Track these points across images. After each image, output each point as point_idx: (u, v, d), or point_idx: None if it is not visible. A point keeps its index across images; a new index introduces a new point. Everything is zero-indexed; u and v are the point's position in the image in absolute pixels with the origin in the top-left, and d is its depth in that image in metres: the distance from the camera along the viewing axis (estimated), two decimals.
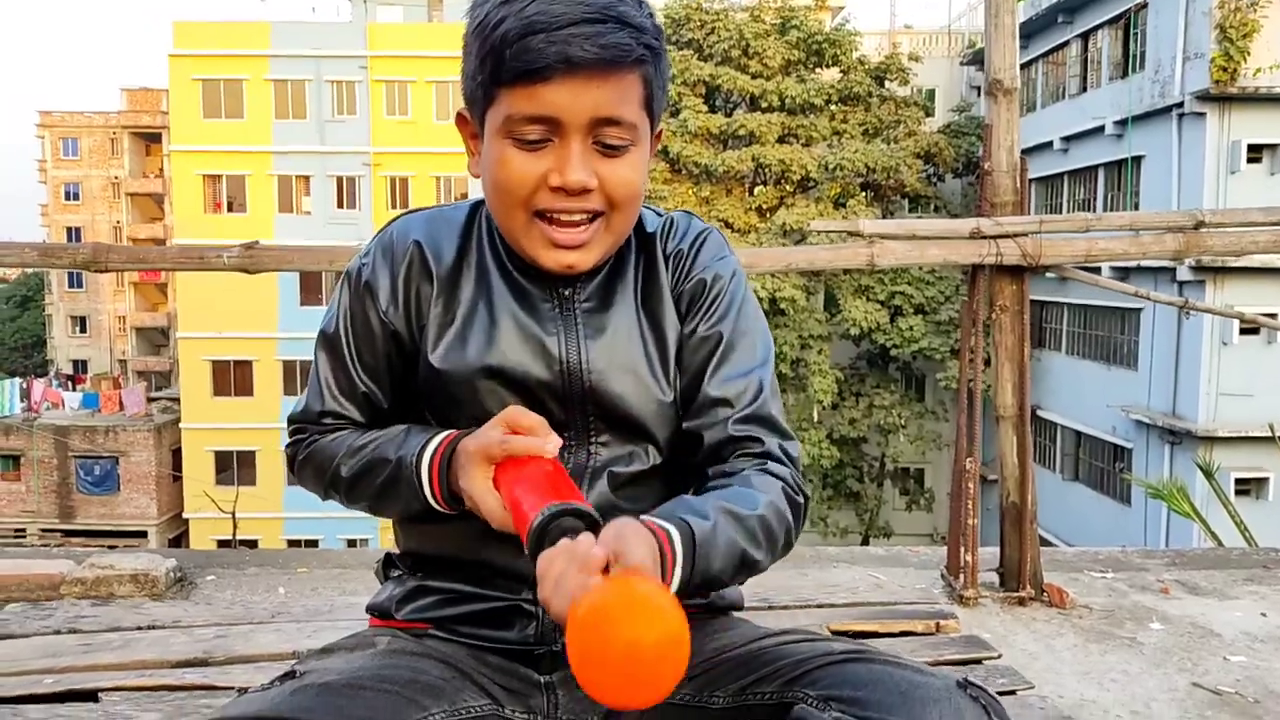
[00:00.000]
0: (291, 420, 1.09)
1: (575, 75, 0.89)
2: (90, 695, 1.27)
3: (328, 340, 1.06)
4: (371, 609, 1.09)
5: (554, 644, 1.00)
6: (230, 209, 26.68)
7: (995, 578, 2.92)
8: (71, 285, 46.16)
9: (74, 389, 32.38)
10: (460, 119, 1.01)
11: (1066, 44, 20.00)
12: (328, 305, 1.09)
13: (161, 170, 42.21)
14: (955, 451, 2.94)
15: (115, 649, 1.42)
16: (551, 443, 0.90)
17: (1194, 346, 15.65)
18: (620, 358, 1.02)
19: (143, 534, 25.79)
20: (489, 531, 0.93)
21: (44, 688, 1.28)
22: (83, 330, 46.53)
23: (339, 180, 26.73)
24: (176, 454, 27.15)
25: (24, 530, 25.95)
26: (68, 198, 45.08)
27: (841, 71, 21.53)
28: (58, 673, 1.33)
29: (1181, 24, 15.78)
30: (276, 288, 25.78)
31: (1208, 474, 5.95)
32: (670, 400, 1.04)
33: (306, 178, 26.74)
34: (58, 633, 1.50)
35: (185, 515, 26.56)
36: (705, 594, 1.03)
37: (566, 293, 1.02)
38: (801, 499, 1.01)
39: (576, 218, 0.95)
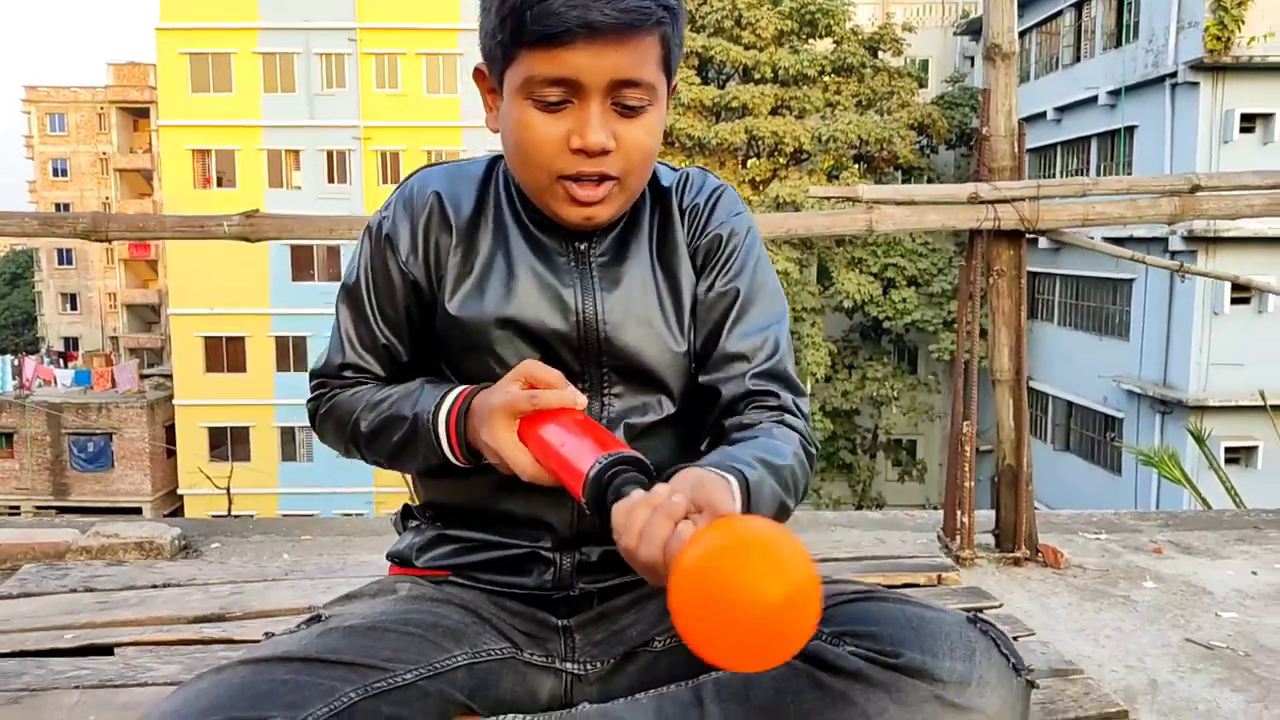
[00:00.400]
0: (313, 375, 1.10)
1: (595, 39, 0.89)
2: (110, 650, 1.30)
3: (349, 293, 1.07)
4: (391, 556, 1.11)
5: (571, 589, 1.03)
6: (220, 184, 26.52)
7: (990, 539, 2.96)
8: (61, 262, 45.91)
9: (65, 366, 32.29)
10: (478, 73, 1.03)
11: (1060, 13, 19.92)
12: (347, 262, 1.11)
13: (150, 146, 41.89)
14: (952, 416, 2.97)
15: (132, 606, 1.45)
16: (581, 396, 0.92)
17: (1185, 316, 15.73)
18: (635, 310, 1.03)
19: (137, 510, 25.83)
20: (507, 483, 0.95)
21: (65, 643, 1.30)
22: (73, 307, 46.32)
23: (329, 154, 26.57)
24: (170, 430, 27.15)
25: (18, 508, 25.96)
26: (56, 174, 44.73)
27: (835, 42, 21.42)
28: (77, 628, 1.35)
29: None
30: (268, 263, 25.69)
31: (1199, 440, 6.00)
32: (684, 351, 1.06)
33: (296, 152, 26.57)
34: (74, 591, 1.52)
35: (180, 491, 26.59)
36: None
37: (582, 246, 1.04)
38: (813, 451, 1.03)
39: (595, 179, 0.97)
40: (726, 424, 1.03)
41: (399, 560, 1.10)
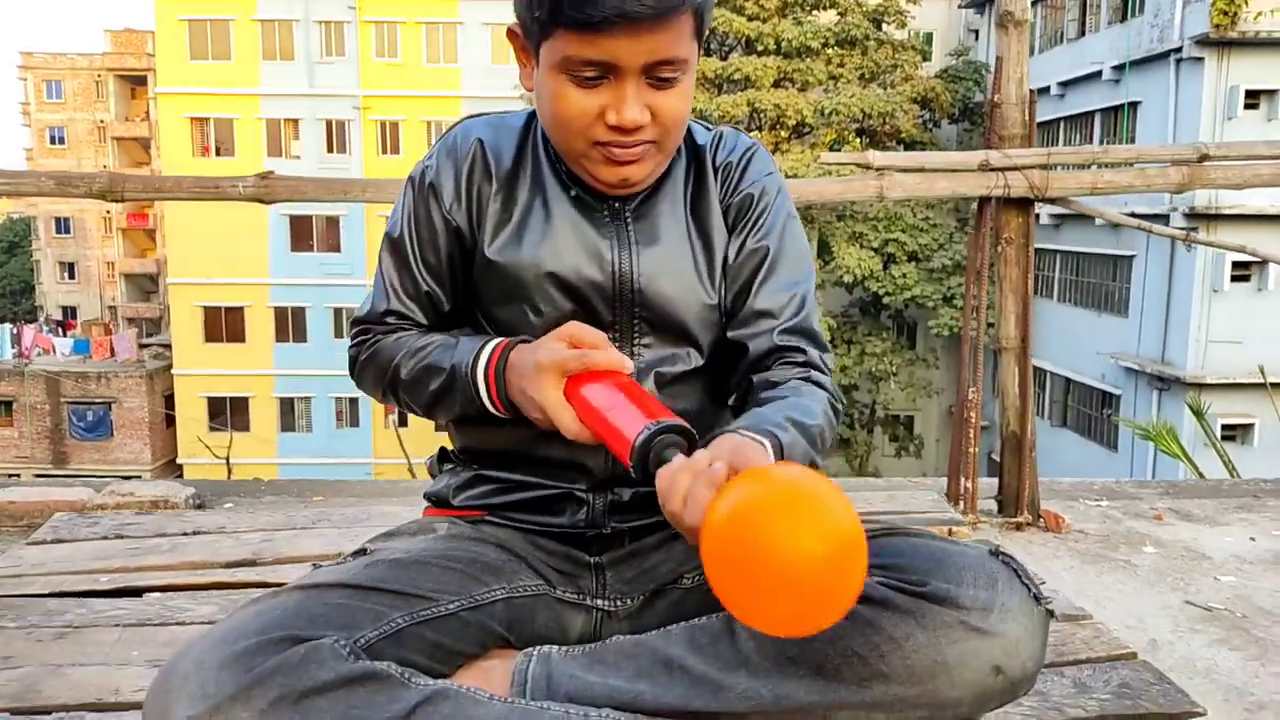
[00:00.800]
0: (355, 322, 1.13)
1: (632, 26, 0.91)
2: (145, 592, 1.33)
3: (393, 243, 1.10)
4: (428, 497, 1.15)
5: (604, 527, 1.06)
6: (218, 153, 26.39)
7: (993, 505, 3.01)
8: (59, 231, 45.73)
9: (64, 335, 32.28)
10: (512, 33, 1.04)
11: None
12: (390, 212, 1.13)
13: (148, 114, 41.62)
14: (958, 383, 3.00)
15: (164, 552, 1.48)
16: (629, 360, 0.94)
17: (1185, 293, 15.75)
18: (669, 264, 1.06)
19: (137, 479, 25.90)
20: (546, 431, 0.98)
21: (101, 585, 1.34)
22: (71, 276, 46.19)
23: (328, 124, 26.42)
24: (169, 400, 27.18)
25: (18, 475, 26.03)
26: (53, 141, 44.44)
27: (839, 13, 21.24)
28: (111, 572, 1.39)
29: None
30: (267, 234, 25.63)
31: (1199, 414, 6.04)
32: (715, 304, 1.08)
33: (295, 121, 26.42)
34: (105, 538, 1.56)
35: (179, 461, 26.66)
36: None
37: (618, 202, 1.06)
38: (839, 407, 1.06)
39: (634, 145, 0.99)
40: (754, 380, 1.06)
41: (436, 501, 1.13)
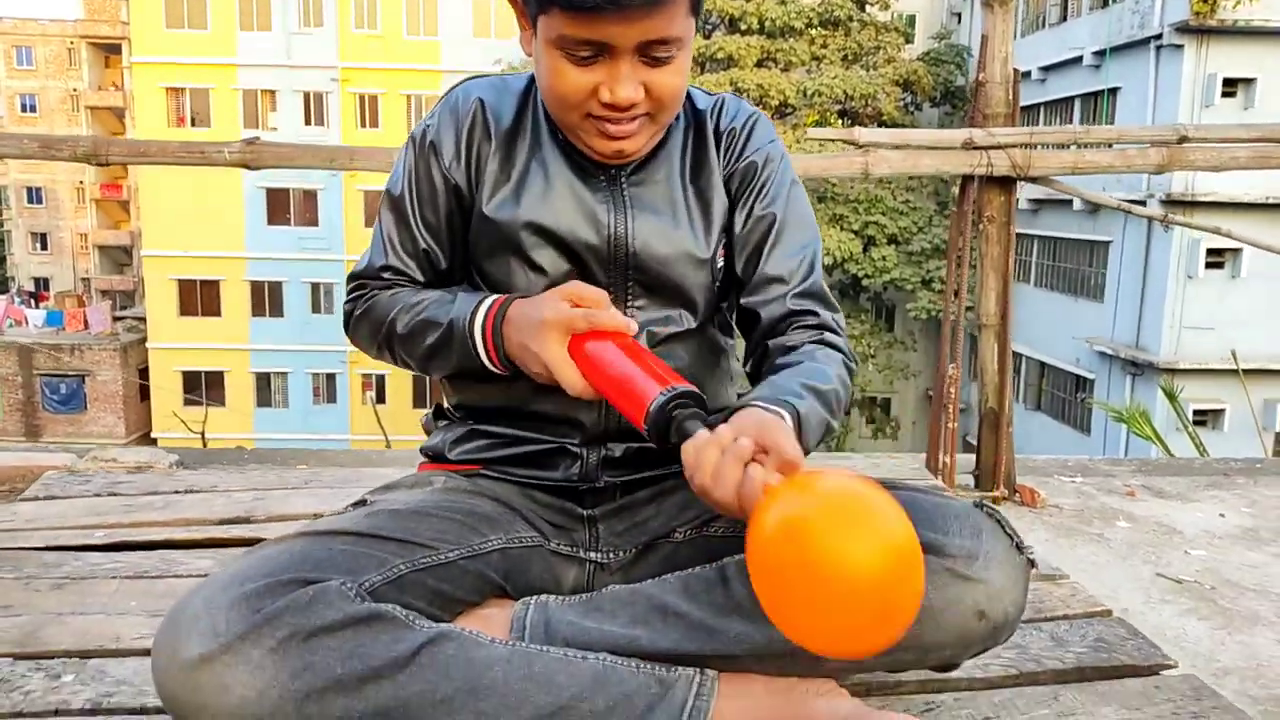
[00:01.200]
0: (352, 277, 1.14)
1: (623, 12, 0.92)
2: (140, 547, 1.35)
3: (393, 200, 1.11)
4: (425, 451, 1.17)
5: (596, 481, 1.09)
6: (194, 124, 26.06)
7: (970, 480, 3.06)
8: (30, 201, 45.05)
9: (37, 306, 31.89)
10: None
11: None
12: (391, 169, 1.14)
13: (122, 83, 40.99)
14: (939, 359, 3.05)
15: (158, 509, 1.50)
16: (633, 321, 0.97)
17: (1160, 279, 15.93)
18: (664, 229, 1.08)
19: (117, 448, 25.70)
20: (541, 386, 1.01)
21: (96, 540, 1.35)
22: (43, 247, 45.55)
23: (306, 96, 26.14)
24: (144, 373, 26.95)
25: None
26: (24, 109, 43.71)
27: None
28: (106, 528, 1.40)
29: None
30: (243, 206, 25.40)
31: (1171, 397, 6.14)
32: (709, 267, 1.11)
33: (272, 92, 26.13)
34: (98, 495, 1.57)
35: (154, 435, 26.47)
36: None
37: (615, 168, 1.08)
38: (854, 366, 1.09)
39: (627, 120, 1.00)
40: (770, 345, 1.09)
41: (432, 455, 1.15)
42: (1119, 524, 2.87)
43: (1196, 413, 15.11)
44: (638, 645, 0.92)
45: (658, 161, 1.10)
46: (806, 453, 0.93)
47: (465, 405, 1.15)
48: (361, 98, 26.13)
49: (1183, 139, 2.74)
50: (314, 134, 25.79)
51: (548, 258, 1.07)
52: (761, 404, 0.91)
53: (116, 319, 29.05)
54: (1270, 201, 15.16)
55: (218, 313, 26.25)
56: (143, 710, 0.95)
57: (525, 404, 1.08)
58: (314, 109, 26.29)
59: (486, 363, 1.03)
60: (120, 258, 43.53)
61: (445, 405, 1.18)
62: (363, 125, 26.16)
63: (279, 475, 1.80)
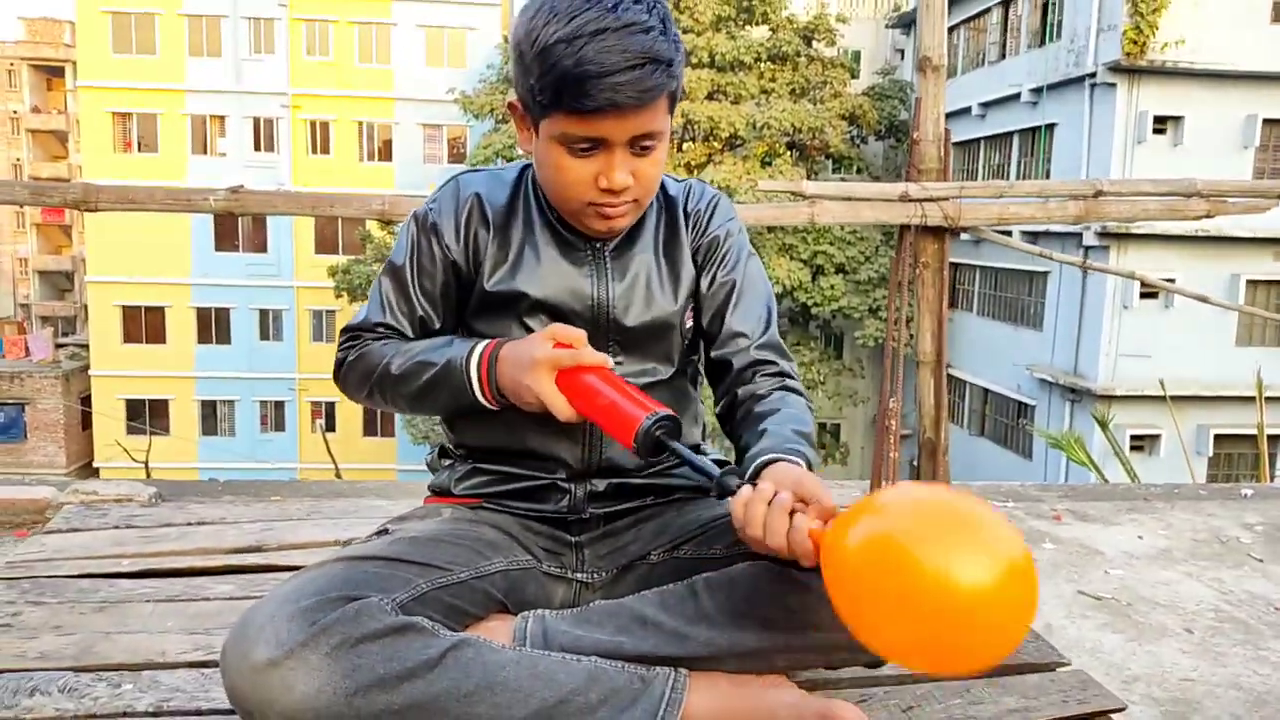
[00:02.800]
0: (347, 330, 1.30)
1: (619, 112, 1.10)
2: (166, 574, 1.49)
3: (394, 270, 1.29)
4: (432, 488, 1.35)
5: (583, 513, 1.27)
6: (141, 149, 25.82)
7: None
8: None
9: None
10: (512, 106, 1.22)
11: (988, 10, 20.54)
12: (394, 243, 1.32)
13: (65, 106, 40.41)
14: (881, 394, 3.27)
15: (174, 540, 1.63)
16: (610, 357, 1.16)
17: (1096, 309, 16.47)
18: (640, 296, 1.27)
19: (97, 479, 25.06)
20: (527, 426, 1.20)
21: (123, 568, 1.49)
22: None
23: (256, 121, 26.01)
24: (86, 401, 26.44)
25: None
26: None
27: (771, 29, 21.73)
28: (130, 557, 1.54)
29: None
30: (190, 232, 25.13)
31: (1103, 425, 6.46)
32: (679, 328, 1.30)
33: (222, 118, 25.95)
34: (117, 528, 1.70)
35: (96, 464, 25.95)
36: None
37: (598, 243, 1.27)
38: (812, 408, 1.30)
39: (618, 205, 1.19)
40: (740, 392, 1.28)
41: (439, 491, 1.33)
42: (1045, 545, 3.10)
43: (1134, 438, 15.65)
44: (622, 650, 1.10)
45: (635, 238, 1.29)
46: None
47: (466, 445, 1.32)
48: (313, 124, 26.07)
49: (1099, 193, 3.02)
50: (264, 160, 25.68)
51: (540, 323, 1.25)
52: (779, 455, 1.09)
53: (58, 346, 28.50)
54: (1199, 234, 15.81)
55: (163, 340, 25.88)
56: (198, 713, 1.10)
57: (517, 441, 1.26)
58: (264, 135, 26.16)
59: (479, 396, 1.18)
60: (62, 283, 42.69)
61: (448, 445, 1.36)
62: (314, 152, 26.09)
63: (281, 508, 1.95)
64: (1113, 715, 1.18)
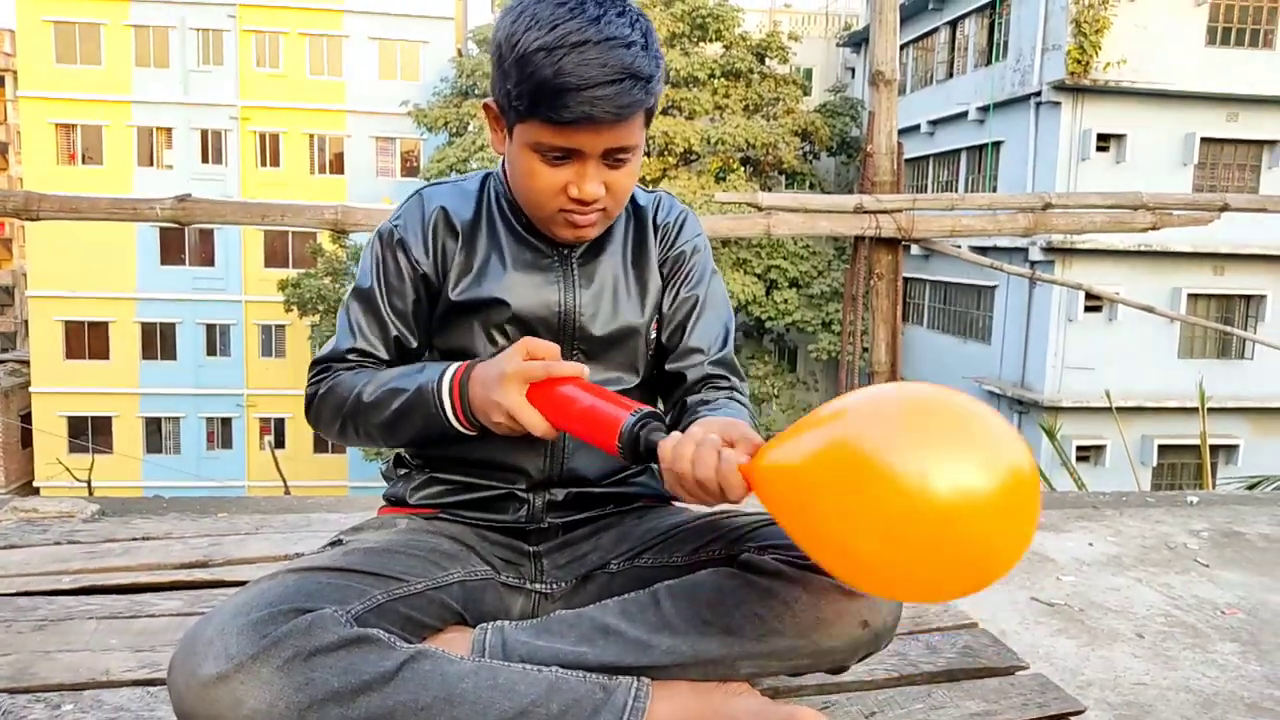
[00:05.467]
0: (316, 363, 1.26)
1: (595, 125, 1.09)
2: (110, 590, 1.44)
3: (362, 293, 1.25)
4: (388, 498, 1.32)
5: (541, 523, 1.25)
6: (85, 161, 25.31)
7: None
8: None
9: None
10: (487, 107, 1.21)
11: (936, 30, 20.92)
12: (358, 267, 1.29)
13: (5, 117, 39.47)
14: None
15: (119, 555, 1.58)
16: (584, 365, 1.13)
17: (1042, 323, 16.79)
18: (606, 303, 1.26)
19: (37, 496, 24.36)
20: (488, 435, 1.17)
21: (65, 585, 1.44)
22: None
23: (204, 133, 25.63)
24: (27, 419, 25.74)
25: None
26: None
27: (724, 46, 21.93)
28: (72, 573, 1.49)
29: (1042, 16, 16.75)
30: (135, 246, 24.66)
31: (1050, 434, 6.56)
32: (646, 337, 1.29)
33: (169, 130, 25.54)
34: (58, 544, 1.64)
35: (36, 484, 25.26)
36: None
37: (565, 250, 1.26)
38: (755, 425, 1.29)
39: (588, 214, 1.18)
40: (689, 400, 1.27)
41: (394, 500, 1.30)
42: None
43: (1080, 448, 15.93)
44: (584, 660, 1.08)
45: (603, 247, 1.28)
46: None
47: (424, 454, 1.30)
48: (262, 136, 25.75)
49: (1047, 205, 3.07)
50: (212, 172, 25.29)
51: (506, 331, 1.23)
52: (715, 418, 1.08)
53: None
54: (1142, 249, 16.19)
55: (106, 355, 25.31)
56: None
57: (475, 451, 1.23)
58: (212, 147, 25.78)
59: (453, 419, 1.15)
60: (1, 298, 41.62)
61: (404, 454, 1.33)
62: (263, 164, 25.76)
63: (230, 523, 1.90)
64: (1072, 718, 1.18)
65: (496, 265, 1.23)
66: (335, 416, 1.22)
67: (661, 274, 1.31)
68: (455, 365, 1.18)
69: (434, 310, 1.26)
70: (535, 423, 1.10)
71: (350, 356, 1.24)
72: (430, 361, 1.25)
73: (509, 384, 1.11)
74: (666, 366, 1.31)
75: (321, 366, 1.26)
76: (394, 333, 1.24)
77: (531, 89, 1.08)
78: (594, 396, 1.09)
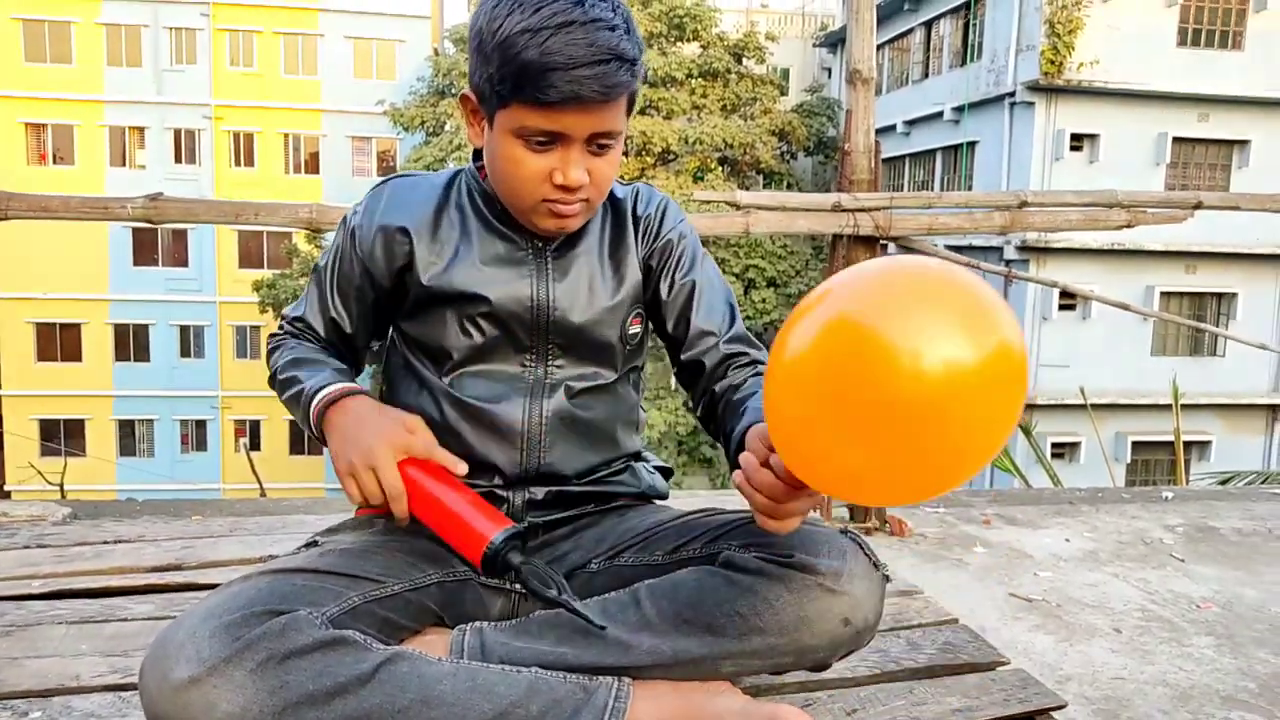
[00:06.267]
0: (283, 317, 1.33)
1: (581, 106, 1.08)
2: (80, 595, 1.41)
3: (317, 271, 1.30)
4: None
5: (521, 521, 1.24)
6: (56, 161, 25.01)
7: (845, 512, 3.31)
8: None
9: None
10: (464, 99, 1.19)
11: (911, 31, 21.04)
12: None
13: None
14: None
15: (89, 559, 1.55)
16: (462, 465, 1.15)
17: (1017, 320, 16.93)
18: (582, 298, 1.24)
19: (8, 499, 24.02)
20: (465, 428, 1.19)
21: (34, 589, 1.41)
22: None
23: (177, 133, 25.39)
24: None
25: None
26: None
27: (702, 47, 21.97)
28: (42, 578, 1.46)
29: (1016, 17, 16.90)
30: (107, 246, 24.41)
31: (1026, 432, 6.60)
32: (618, 329, 1.27)
33: (141, 129, 25.29)
34: (27, 547, 1.61)
35: (8, 488, 24.89)
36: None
37: (540, 243, 1.24)
38: None
39: (572, 203, 1.16)
40: (716, 389, 1.25)
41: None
42: (976, 549, 3.15)
43: (1055, 445, 16.08)
44: (564, 661, 1.06)
45: (578, 239, 1.26)
46: None
47: None
48: (236, 136, 25.55)
49: (1023, 203, 3.08)
50: (185, 172, 25.07)
51: (477, 323, 1.21)
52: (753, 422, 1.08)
53: None
54: (1115, 248, 16.37)
55: (79, 358, 25.02)
56: None
57: (456, 448, 1.22)
58: (185, 147, 25.54)
59: (308, 425, 1.18)
60: None
61: None
62: (237, 164, 25.56)
63: (203, 525, 1.87)
64: (1053, 713, 1.18)
65: (466, 257, 1.22)
66: (271, 374, 1.29)
67: (648, 267, 1.30)
68: (336, 386, 1.18)
69: (385, 304, 1.27)
70: (397, 493, 1.09)
71: (296, 324, 1.31)
72: (342, 368, 1.25)
73: (384, 447, 1.10)
74: (682, 357, 1.29)
75: (281, 324, 1.34)
76: (331, 315, 1.28)
77: (515, 71, 1.07)
78: (465, 500, 1.10)
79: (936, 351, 0.58)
